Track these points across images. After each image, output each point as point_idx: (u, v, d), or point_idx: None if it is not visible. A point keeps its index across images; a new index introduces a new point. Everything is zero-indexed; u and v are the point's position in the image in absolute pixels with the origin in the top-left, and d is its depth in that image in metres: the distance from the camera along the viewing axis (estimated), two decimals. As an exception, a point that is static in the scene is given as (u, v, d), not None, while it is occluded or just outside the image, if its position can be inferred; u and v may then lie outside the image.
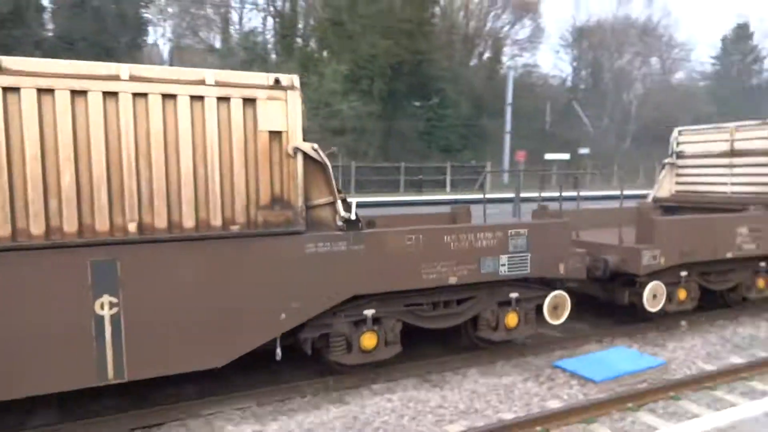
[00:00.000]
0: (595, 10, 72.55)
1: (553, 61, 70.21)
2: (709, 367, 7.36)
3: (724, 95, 62.79)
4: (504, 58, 48.84)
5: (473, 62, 45.58)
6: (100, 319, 4.72)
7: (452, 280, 6.28)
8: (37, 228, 4.53)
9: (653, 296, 8.30)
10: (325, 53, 35.39)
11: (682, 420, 5.73)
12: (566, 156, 44.45)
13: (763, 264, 9.28)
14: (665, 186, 11.66)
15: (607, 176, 50.08)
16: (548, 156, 44.43)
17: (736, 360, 7.69)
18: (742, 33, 63.94)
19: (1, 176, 4.41)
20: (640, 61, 54.34)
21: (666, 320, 9.39)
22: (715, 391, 6.60)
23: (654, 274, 8.18)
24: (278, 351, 5.68)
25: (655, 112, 52.54)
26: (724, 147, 10.86)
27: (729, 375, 6.98)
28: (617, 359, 7.28)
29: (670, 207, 11.18)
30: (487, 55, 47.28)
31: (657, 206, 11.25)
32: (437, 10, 42.00)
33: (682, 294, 8.71)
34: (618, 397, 6.18)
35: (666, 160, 11.78)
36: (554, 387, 6.68)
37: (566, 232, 7.14)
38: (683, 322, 9.42)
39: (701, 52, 79.58)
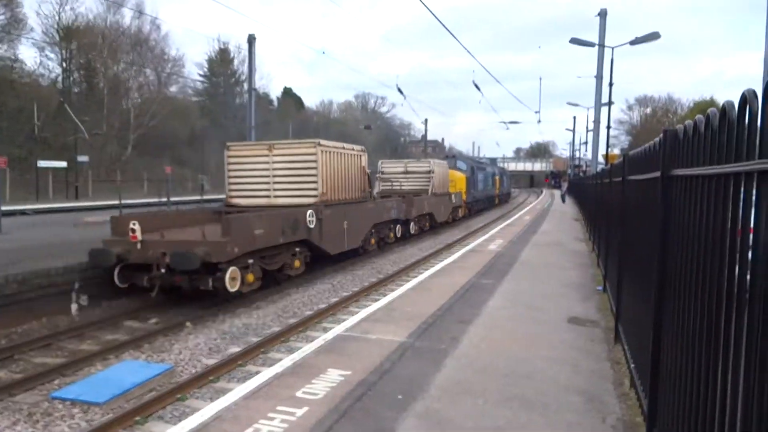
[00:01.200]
0: (83, 11, 68.97)
1: (39, 59, 63.15)
2: (212, 362, 7.86)
3: (215, 110, 69.29)
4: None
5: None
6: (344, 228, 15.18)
7: (392, 216, 18.80)
8: (335, 197, 14.68)
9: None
10: None
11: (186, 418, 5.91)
12: (63, 164, 41.02)
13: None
14: (378, 187, 24.16)
15: (110, 183, 48.45)
16: (42, 163, 40.04)
17: (235, 349, 8.46)
18: (224, 57, 71.84)
19: (331, 182, 14.49)
20: (135, 71, 54.60)
21: (172, 327, 9.62)
22: (217, 383, 7.08)
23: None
24: (374, 242, 17.86)
25: (154, 122, 53.85)
26: (402, 169, 25.63)
27: (228, 365, 7.61)
28: (124, 374, 6.99)
29: (383, 195, 22.59)
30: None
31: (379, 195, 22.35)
32: None
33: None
34: (125, 413, 5.92)
35: (377, 175, 24.53)
36: (52, 422, 5.92)
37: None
38: (188, 323, 9.83)
39: (192, 69, 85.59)
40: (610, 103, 27.88)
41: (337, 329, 6.69)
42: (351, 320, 7.14)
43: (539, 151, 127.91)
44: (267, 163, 14.41)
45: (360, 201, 16.27)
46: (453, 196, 28.23)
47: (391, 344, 6.02)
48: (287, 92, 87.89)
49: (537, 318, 7.27)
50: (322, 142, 14.41)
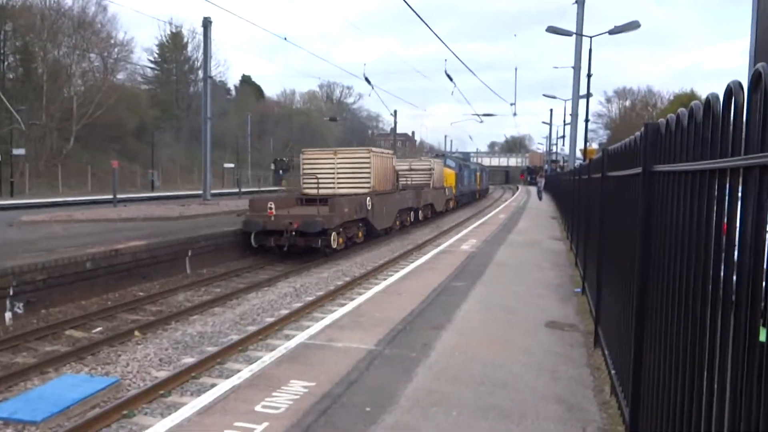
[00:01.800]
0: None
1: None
2: (163, 374, 7.72)
3: (166, 99, 68.14)
4: None
5: None
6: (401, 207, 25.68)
7: (409, 204, 25.99)
8: (380, 188, 22.04)
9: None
10: None
11: (136, 438, 5.78)
12: (-4, 157, 39.80)
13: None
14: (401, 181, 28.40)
15: (50, 179, 47.26)
16: (-28, 157, 38.73)
17: (188, 360, 8.32)
18: (177, 42, 70.68)
19: (377, 177, 21.87)
20: (78, 56, 53.28)
21: (119, 336, 9.41)
22: (168, 397, 6.94)
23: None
24: (398, 224, 24.59)
25: (99, 112, 52.59)
26: (407, 167, 31.35)
27: (181, 377, 7.47)
28: (64, 389, 6.80)
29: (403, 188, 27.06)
30: None
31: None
32: None
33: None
34: (66, 432, 5.76)
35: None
36: (-17, 444, 5.73)
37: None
38: (136, 332, 9.63)
39: (141, 55, 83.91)
40: (588, 96, 28.28)
41: (300, 337, 6.63)
42: (315, 327, 7.09)
43: (515, 145, 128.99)
44: (332, 163, 21.30)
45: (392, 192, 23.83)
46: (446, 189, 35.98)
47: (359, 352, 5.99)
48: (246, 80, 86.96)
49: (513, 322, 7.33)
50: (374, 149, 22.67)
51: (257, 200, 18.73)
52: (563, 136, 57.86)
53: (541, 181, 46.24)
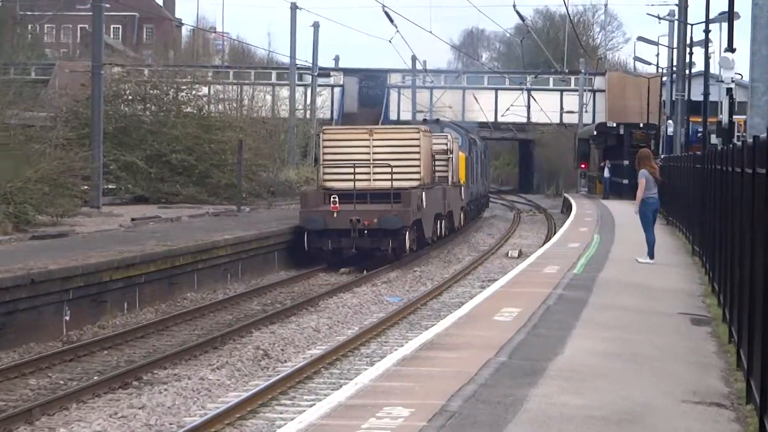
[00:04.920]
0: None
1: None
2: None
3: None
4: None
5: None
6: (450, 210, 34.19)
7: (439, 209, 27.32)
8: (428, 181, 26.03)
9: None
10: None
11: None
12: None
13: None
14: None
15: None
16: None
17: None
18: None
19: (425, 167, 26.19)
20: None
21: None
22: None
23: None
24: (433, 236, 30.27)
25: None
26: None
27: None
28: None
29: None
30: None
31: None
32: None
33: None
34: None
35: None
36: None
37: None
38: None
39: None
40: None
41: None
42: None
43: (556, 53, 74.14)
44: (367, 147, 24.69)
45: (433, 186, 27.44)
46: (461, 189, 31.79)
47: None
48: None
49: None
50: (421, 127, 27.36)
51: (311, 193, 24.34)
52: (730, 14, 29.61)
53: (647, 177, 19.67)
